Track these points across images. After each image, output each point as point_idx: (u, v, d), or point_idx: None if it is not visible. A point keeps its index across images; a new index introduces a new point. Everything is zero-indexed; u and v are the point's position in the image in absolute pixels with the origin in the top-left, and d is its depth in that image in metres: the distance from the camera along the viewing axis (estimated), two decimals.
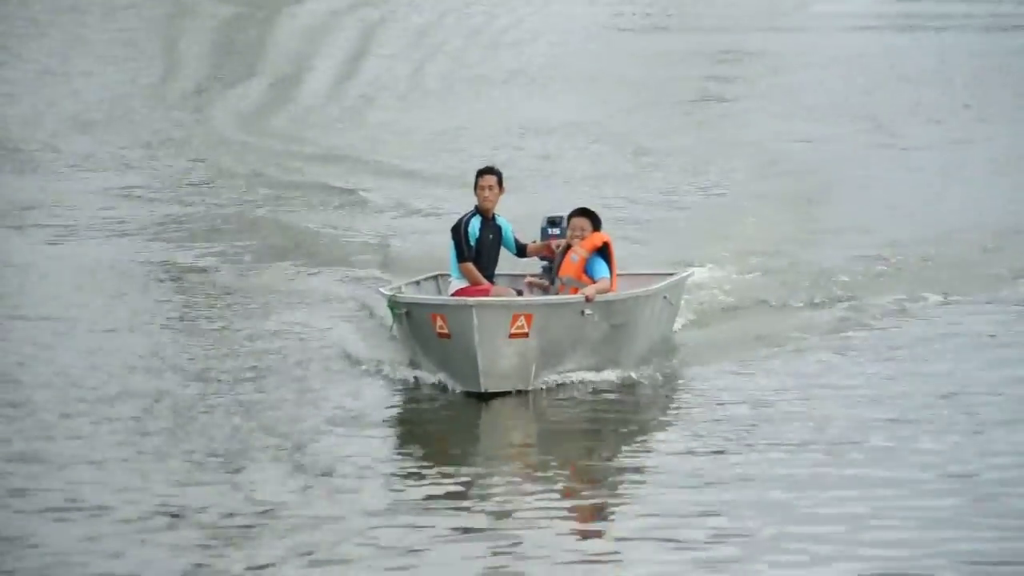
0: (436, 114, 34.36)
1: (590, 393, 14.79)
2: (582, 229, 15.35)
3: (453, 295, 15.79)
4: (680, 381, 15.29)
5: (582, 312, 14.71)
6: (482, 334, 14.25)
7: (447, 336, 14.46)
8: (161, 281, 20.00)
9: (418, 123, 33.24)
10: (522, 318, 14.43)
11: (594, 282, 15.06)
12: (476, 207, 15.86)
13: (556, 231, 16.36)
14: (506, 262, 16.37)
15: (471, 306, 14.27)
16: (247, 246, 22.08)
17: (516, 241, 16.10)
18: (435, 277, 16.80)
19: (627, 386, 15.01)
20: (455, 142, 31.04)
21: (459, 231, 15.73)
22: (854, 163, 28.61)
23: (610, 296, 15.10)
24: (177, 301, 18.91)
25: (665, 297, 16.18)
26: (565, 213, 16.47)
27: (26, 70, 38.43)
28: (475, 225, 15.75)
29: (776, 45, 43.18)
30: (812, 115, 33.62)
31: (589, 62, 40.74)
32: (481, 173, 15.95)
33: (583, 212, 15.47)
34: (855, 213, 24.13)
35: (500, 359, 14.41)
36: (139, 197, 25.88)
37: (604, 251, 15.29)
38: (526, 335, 14.47)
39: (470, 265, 15.63)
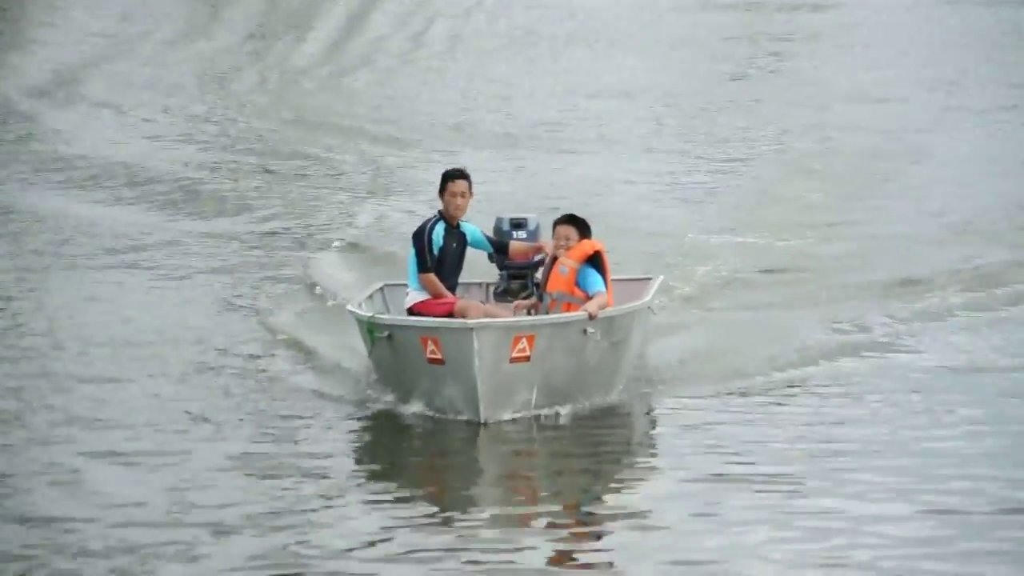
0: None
1: (590, 418, 13.60)
2: (567, 238, 14.03)
3: (412, 309, 14.38)
4: (677, 399, 14.19)
5: (584, 331, 13.43)
6: (482, 359, 12.93)
7: (440, 362, 13.09)
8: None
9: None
10: (524, 340, 13.12)
11: (589, 297, 13.78)
12: (440, 212, 14.47)
13: (522, 234, 15.09)
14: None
15: (471, 328, 12.90)
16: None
17: (492, 240, 14.70)
18: (381, 289, 15.32)
19: (624, 410, 13.91)
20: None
21: (422, 238, 14.31)
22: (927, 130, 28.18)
23: (611, 311, 13.82)
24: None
25: (650, 307, 15.01)
26: (533, 215, 15.35)
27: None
28: (439, 232, 14.37)
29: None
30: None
31: (643, 24, 39.98)
32: (451, 177, 14.50)
33: (569, 219, 14.14)
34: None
35: (501, 386, 13.12)
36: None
37: (596, 261, 13.98)
38: (527, 359, 13.18)
39: (432, 276, 14.25)
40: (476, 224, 14.72)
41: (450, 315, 14.13)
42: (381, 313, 14.25)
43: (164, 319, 17.07)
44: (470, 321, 13.08)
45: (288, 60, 36.33)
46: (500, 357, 13.02)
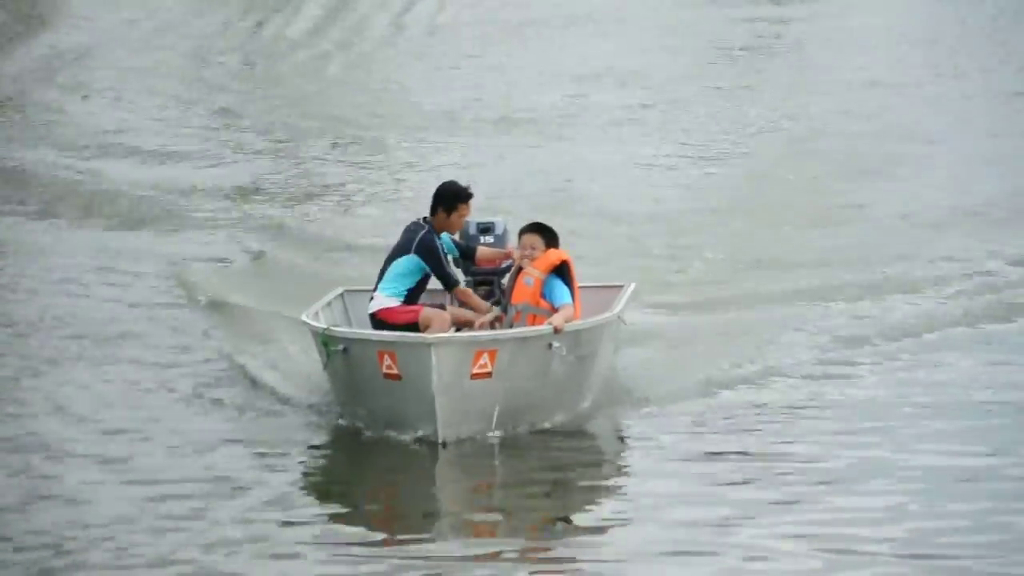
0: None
1: (554, 437, 12.97)
2: (533, 248, 13.38)
3: (376, 315, 13.75)
4: (648, 413, 13.55)
5: (549, 345, 12.77)
6: (441, 375, 12.26)
7: (396, 377, 12.44)
8: None
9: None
10: (485, 355, 12.46)
11: (555, 309, 13.13)
12: (427, 222, 13.77)
13: (489, 239, 14.46)
14: None
15: (429, 344, 12.24)
16: None
17: (459, 245, 14.06)
18: (341, 296, 14.66)
19: (590, 428, 13.27)
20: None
21: (436, 255, 13.59)
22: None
23: (578, 324, 13.15)
24: None
25: (619, 317, 14.37)
26: (500, 218, 14.77)
27: None
28: (447, 242, 13.87)
29: None
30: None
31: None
32: (466, 199, 13.80)
33: (535, 228, 13.49)
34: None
35: (461, 404, 12.45)
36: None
37: (562, 271, 13.34)
38: (489, 375, 12.52)
39: (467, 290, 13.80)
40: None
41: (414, 324, 13.58)
42: (337, 325, 13.61)
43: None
44: (428, 336, 12.41)
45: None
46: (460, 373, 12.38)
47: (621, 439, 13.27)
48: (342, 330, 13.00)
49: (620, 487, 12.07)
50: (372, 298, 13.81)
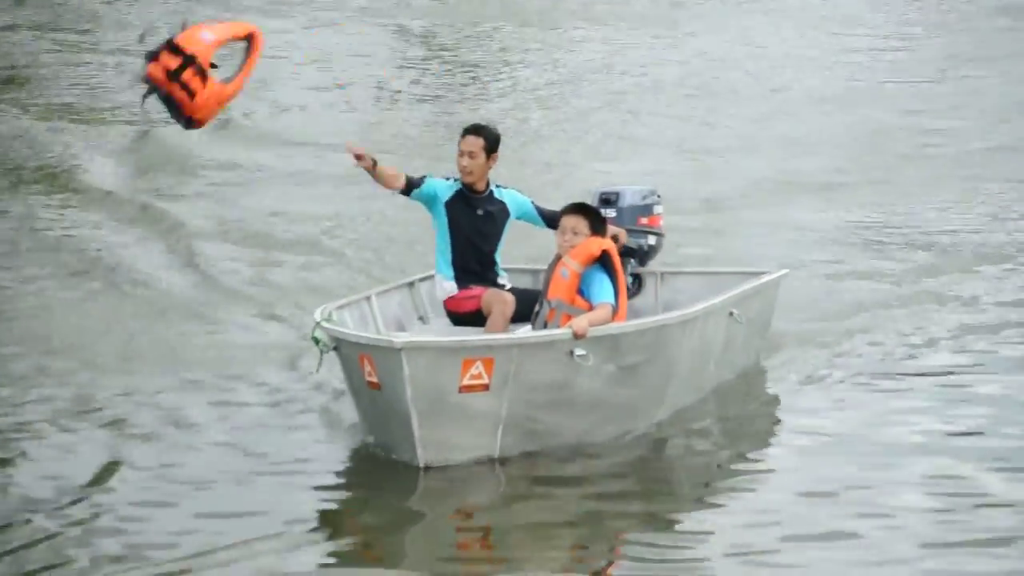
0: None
1: (587, 467, 10.51)
2: (575, 232, 11.02)
3: (445, 305, 11.80)
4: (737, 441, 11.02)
5: (571, 353, 10.38)
6: (417, 388, 10.00)
7: (377, 387, 10.26)
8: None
9: None
10: (479, 364, 10.08)
11: (591, 308, 10.74)
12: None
13: (611, 212, 12.35)
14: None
15: (398, 348, 9.98)
16: None
17: (544, 213, 11.89)
18: (414, 282, 12.70)
19: (644, 459, 10.75)
20: None
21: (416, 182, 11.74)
22: None
23: (613, 328, 10.72)
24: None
25: (732, 313, 11.86)
26: (623, 187, 12.65)
27: None
28: (444, 187, 11.81)
29: None
30: None
31: None
32: (464, 132, 11.86)
33: (578, 208, 11.09)
34: None
35: (446, 422, 10.13)
36: None
37: (605, 263, 10.94)
38: (485, 387, 10.13)
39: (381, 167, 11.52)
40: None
41: (478, 312, 11.53)
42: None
43: None
44: (397, 339, 10.05)
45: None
46: (443, 385, 10.04)
47: (692, 477, 10.68)
48: (331, 324, 10.79)
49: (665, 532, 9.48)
50: (436, 284, 12.11)
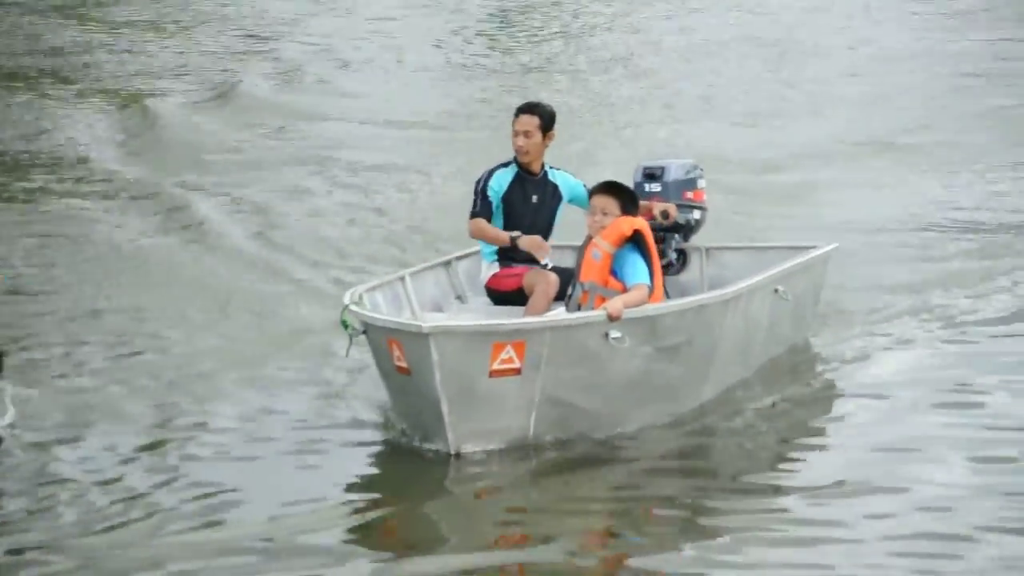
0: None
1: (628, 451, 10.24)
2: (604, 212, 10.71)
3: (487, 286, 11.68)
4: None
5: (606, 335, 10.12)
6: (446, 372, 9.77)
7: (407, 372, 10.04)
8: None
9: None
10: (509, 348, 9.83)
11: (625, 290, 10.46)
12: (515, 157, 11.65)
13: (656, 187, 12.09)
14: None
15: (426, 333, 9.74)
16: None
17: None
18: (451, 260, 12.58)
19: (683, 441, 10.47)
20: None
21: (477, 184, 11.54)
22: None
23: (650, 310, 10.44)
24: None
25: (777, 290, 11.55)
26: (668, 161, 12.34)
27: None
28: (504, 177, 11.56)
29: None
30: None
31: None
32: (517, 112, 11.66)
33: (608, 188, 10.78)
34: None
35: (477, 408, 9.90)
36: None
37: (639, 243, 10.64)
38: (517, 372, 9.89)
39: (479, 221, 11.43)
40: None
41: (520, 291, 11.34)
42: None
43: None
44: (425, 323, 9.87)
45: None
46: (474, 369, 9.79)
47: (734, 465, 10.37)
48: (359, 308, 10.56)
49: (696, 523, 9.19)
50: (482, 265, 11.89)
